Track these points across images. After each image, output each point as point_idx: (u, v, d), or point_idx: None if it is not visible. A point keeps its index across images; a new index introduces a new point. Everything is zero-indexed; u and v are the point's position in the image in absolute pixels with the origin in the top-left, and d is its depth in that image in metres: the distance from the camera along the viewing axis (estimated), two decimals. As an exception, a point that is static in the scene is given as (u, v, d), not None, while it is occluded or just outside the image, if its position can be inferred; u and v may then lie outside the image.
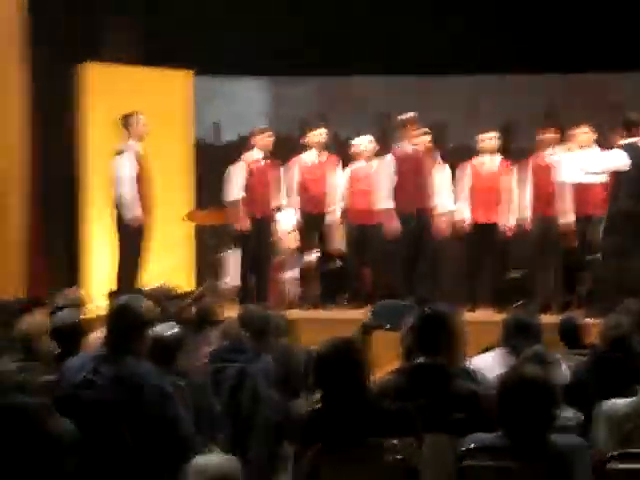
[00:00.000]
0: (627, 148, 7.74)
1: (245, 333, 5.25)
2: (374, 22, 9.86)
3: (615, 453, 3.53)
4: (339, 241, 9.16)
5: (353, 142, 9.03)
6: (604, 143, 8.28)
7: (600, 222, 8.07)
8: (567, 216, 8.42)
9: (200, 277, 9.49)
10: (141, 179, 8.42)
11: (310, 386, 5.48)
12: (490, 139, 8.71)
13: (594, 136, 8.35)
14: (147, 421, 3.88)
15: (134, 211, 8.33)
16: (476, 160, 8.80)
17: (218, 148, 10.67)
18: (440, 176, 8.69)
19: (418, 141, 8.61)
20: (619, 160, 7.71)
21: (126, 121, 8.46)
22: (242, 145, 9.46)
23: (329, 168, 8.98)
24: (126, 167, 8.38)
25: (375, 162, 8.91)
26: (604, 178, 8.01)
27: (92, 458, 3.73)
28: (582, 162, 7.98)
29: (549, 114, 9.84)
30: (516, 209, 8.67)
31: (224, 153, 10.17)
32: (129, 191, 8.35)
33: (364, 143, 8.97)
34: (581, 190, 8.36)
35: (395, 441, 3.50)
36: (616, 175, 7.79)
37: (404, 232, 8.48)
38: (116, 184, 8.40)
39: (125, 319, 4.00)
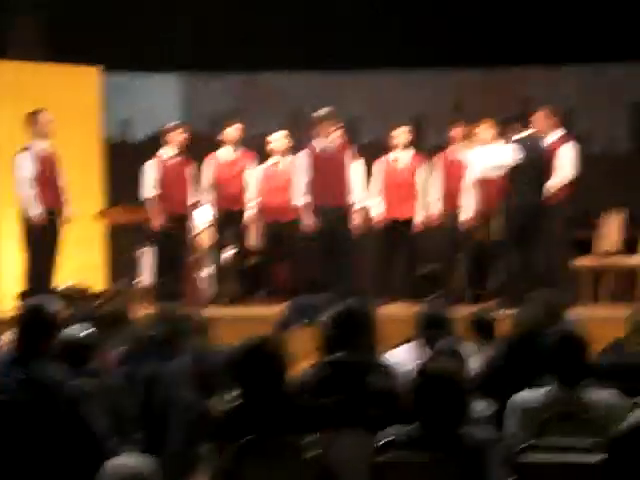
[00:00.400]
0: (519, 142, 7.91)
1: (160, 332, 5.20)
2: (290, 17, 9.88)
3: (527, 444, 3.59)
4: (254, 238, 9.14)
5: (268, 138, 9.01)
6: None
7: (500, 216, 8.23)
8: (467, 211, 8.54)
9: (113, 276, 9.38)
10: (44, 178, 8.26)
11: (227, 385, 5.49)
12: (402, 134, 8.78)
13: (494, 132, 8.46)
14: (60, 423, 3.82)
15: (34, 210, 8.16)
16: (386, 157, 8.86)
17: (129, 145, 10.55)
18: (355, 172, 8.73)
19: (333, 137, 8.63)
20: (512, 155, 7.87)
21: (30, 119, 8.29)
22: (155, 142, 9.37)
23: (244, 164, 8.95)
24: (25, 167, 8.21)
25: (289, 158, 8.91)
26: (503, 172, 8.15)
27: (3, 460, 3.66)
28: (480, 159, 8.12)
29: (457, 109, 9.97)
30: (427, 204, 8.76)
31: (136, 150, 10.06)
32: (28, 190, 8.18)
33: (279, 139, 8.95)
34: (484, 185, 8.49)
35: (312, 437, 3.50)
36: (511, 169, 7.95)
37: (321, 227, 8.50)
38: (16, 184, 8.25)
39: (36, 322, 3.93)
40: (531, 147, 7.98)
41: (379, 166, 8.82)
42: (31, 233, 8.20)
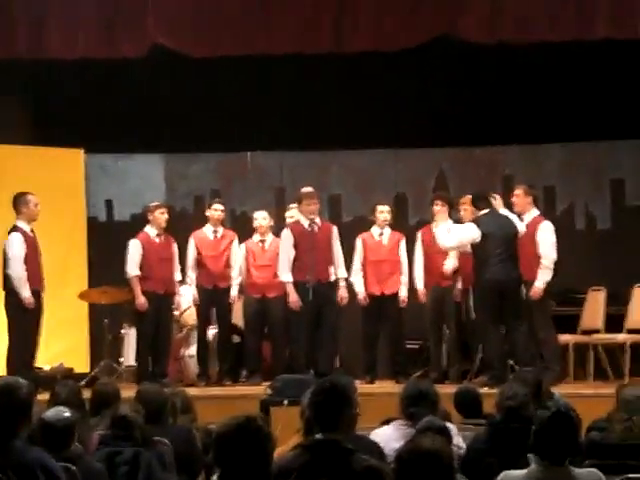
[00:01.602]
0: (480, 219, 7.98)
1: (140, 414, 5.14)
2: (272, 97, 9.99)
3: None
4: (240, 316, 9.12)
5: (254, 215, 9.01)
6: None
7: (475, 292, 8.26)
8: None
9: (97, 357, 9.31)
10: (30, 259, 8.27)
11: (208, 466, 5.42)
12: (383, 212, 8.84)
13: (470, 211, 8.51)
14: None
15: (26, 291, 8.16)
16: (367, 233, 8.91)
17: (111, 225, 10.56)
18: (338, 249, 8.76)
19: (314, 215, 8.68)
20: (470, 232, 7.95)
21: (18, 201, 8.33)
22: (138, 221, 9.40)
23: (228, 242, 8.98)
24: (18, 246, 8.22)
25: (269, 236, 8.94)
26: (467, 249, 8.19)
27: None
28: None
29: (438, 187, 10.07)
30: (407, 281, 8.79)
31: (118, 230, 10.08)
32: (21, 271, 8.18)
33: (262, 218, 8.98)
34: (462, 262, 8.52)
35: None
36: (474, 247, 8.00)
37: (304, 304, 8.50)
38: (7, 265, 8.24)
39: (8, 403, 3.87)
40: (498, 222, 8.04)
41: (361, 242, 8.86)
42: (19, 314, 8.17)
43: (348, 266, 8.82)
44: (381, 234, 8.87)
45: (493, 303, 7.92)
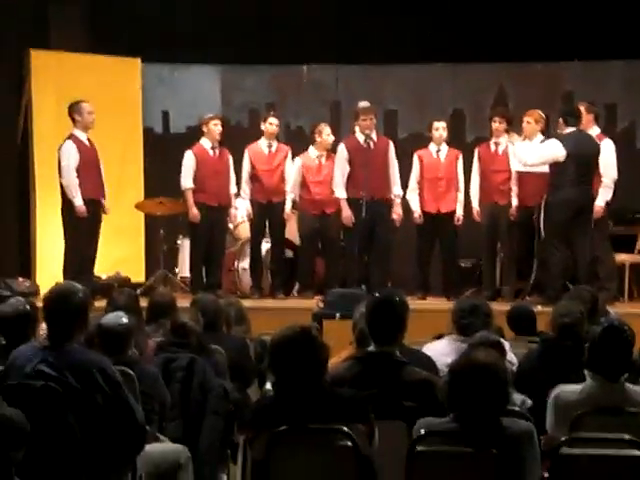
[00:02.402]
0: (564, 138, 7.81)
1: (199, 323, 5.21)
2: (324, 12, 9.85)
3: (567, 438, 3.56)
4: (293, 231, 9.14)
5: (325, 130, 8.88)
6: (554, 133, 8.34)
7: (539, 211, 8.14)
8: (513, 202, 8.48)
9: (153, 267, 9.42)
10: (85, 168, 8.32)
11: (262, 375, 5.51)
12: (439, 129, 8.73)
13: (537, 126, 8.38)
14: (99, 410, 3.84)
15: (78, 200, 8.23)
16: (424, 150, 8.82)
17: (167, 137, 10.58)
18: (394, 166, 8.69)
19: (371, 130, 8.60)
20: (555, 151, 7.78)
21: (72, 110, 8.36)
22: (194, 133, 9.40)
23: (282, 157, 8.95)
24: (70, 156, 8.28)
25: (324, 152, 8.87)
26: (544, 169, 8.04)
27: (42, 448, 3.69)
28: (520, 154, 8.01)
29: (497, 103, 9.90)
30: (463, 199, 8.71)
31: (173, 142, 10.10)
32: (73, 180, 8.25)
33: (330, 134, 8.87)
34: (522, 180, 8.41)
35: (346, 428, 3.49)
36: (554, 165, 7.85)
37: (357, 221, 8.48)
38: (60, 173, 8.31)
39: (61, 306, 3.93)
40: (583, 143, 7.87)
41: (418, 160, 8.78)
42: (73, 222, 8.27)
43: (403, 183, 8.75)
44: (438, 151, 8.77)
45: (565, 223, 7.80)
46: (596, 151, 7.91)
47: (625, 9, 9.60)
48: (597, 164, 7.90)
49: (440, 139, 8.73)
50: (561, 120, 7.92)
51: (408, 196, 8.75)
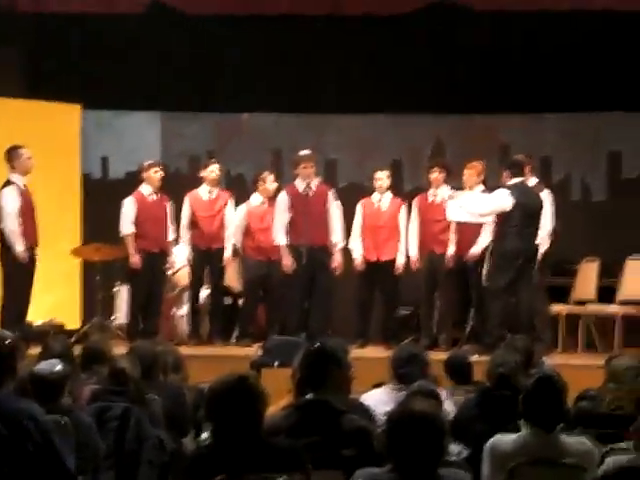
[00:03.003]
0: (512, 188, 7.93)
1: (134, 370, 5.14)
2: (271, 60, 9.92)
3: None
4: (232, 277, 9.12)
5: (269, 178, 8.91)
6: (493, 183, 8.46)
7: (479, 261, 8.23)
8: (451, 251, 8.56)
9: (89, 314, 9.31)
10: (24, 214, 8.24)
11: (198, 424, 5.44)
12: (382, 178, 8.80)
13: (479, 178, 8.50)
14: (29, 458, 3.75)
15: (19, 246, 8.14)
16: (367, 199, 8.89)
17: (106, 183, 10.52)
18: (335, 213, 8.74)
19: (311, 179, 8.65)
20: (504, 200, 7.89)
21: (10, 155, 8.28)
22: (131, 180, 9.35)
23: (223, 203, 8.95)
24: (10, 201, 8.19)
25: (267, 200, 8.89)
26: (490, 219, 8.15)
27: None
28: (470, 205, 8.11)
29: (435, 154, 10.03)
30: (404, 247, 8.77)
31: (112, 188, 10.04)
32: (14, 226, 8.15)
33: (273, 181, 8.91)
34: (460, 230, 8.51)
35: (283, 477, 3.46)
36: (500, 214, 7.96)
37: (298, 268, 8.49)
38: (1, 219, 8.20)
39: None
40: (528, 193, 8.00)
41: (361, 208, 8.83)
42: (11, 269, 8.15)
43: (346, 232, 8.80)
44: (380, 200, 8.84)
45: (509, 272, 7.88)
46: (539, 203, 8.06)
47: (560, 64, 9.83)
48: (540, 216, 8.02)
49: (382, 188, 8.80)
50: (507, 172, 8.05)
51: (351, 245, 8.79)
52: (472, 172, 8.49)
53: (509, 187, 7.95)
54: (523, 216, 7.86)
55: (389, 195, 8.86)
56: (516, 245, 7.84)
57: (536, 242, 8.00)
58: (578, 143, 10.32)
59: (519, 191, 7.91)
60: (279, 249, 8.65)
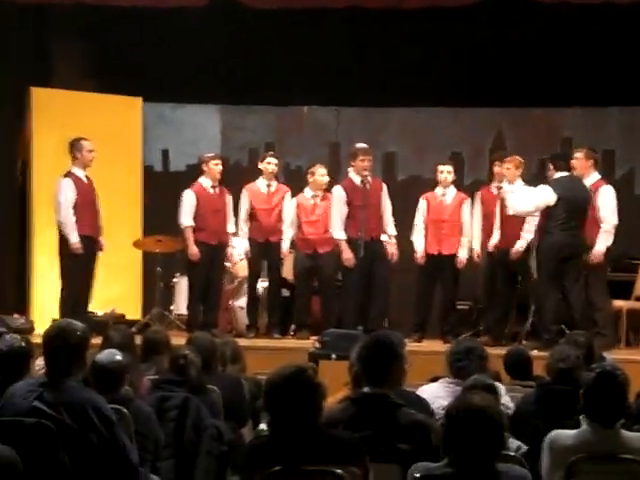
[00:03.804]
0: (554, 183, 7.84)
1: (196, 360, 5.18)
2: (328, 53, 9.92)
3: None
4: (290, 270, 9.14)
5: (317, 171, 8.93)
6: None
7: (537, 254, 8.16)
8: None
9: (149, 304, 9.41)
10: (82, 205, 8.35)
11: (256, 415, 5.48)
12: (443, 172, 8.75)
13: (517, 172, 8.39)
14: (93, 449, 3.81)
15: (74, 237, 8.25)
16: (430, 193, 8.84)
17: (166, 175, 10.63)
18: (387, 205, 8.72)
19: (367, 172, 8.63)
20: (546, 196, 7.81)
21: (72, 147, 8.41)
22: (191, 172, 9.42)
23: (281, 196, 8.97)
24: (68, 192, 8.31)
25: (319, 192, 8.88)
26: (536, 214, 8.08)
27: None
28: (512, 202, 8.04)
29: (496, 147, 9.95)
30: (467, 241, 8.72)
31: (172, 180, 10.14)
32: (69, 216, 8.27)
33: (324, 173, 8.90)
34: (507, 223, 8.43)
35: (341, 470, 3.47)
36: (544, 209, 7.88)
37: (356, 261, 8.48)
38: (56, 209, 8.33)
39: (61, 343, 3.93)
40: (574, 187, 7.91)
41: (424, 202, 8.79)
42: (70, 259, 8.27)
43: (398, 225, 8.77)
44: (444, 194, 8.79)
45: (556, 267, 7.82)
46: (587, 196, 7.96)
47: (623, 57, 9.68)
48: (587, 209, 7.93)
49: (445, 182, 8.75)
50: (551, 165, 7.98)
51: (413, 237, 8.76)
52: (510, 167, 8.41)
53: (553, 182, 7.87)
54: (567, 211, 7.78)
55: (453, 189, 8.81)
56: (560, 240, 7.77)
57: (582, 237, 7.90)
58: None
59: (563, 185, 7.83)
60: (328, 242, 8.65)
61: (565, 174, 7.93)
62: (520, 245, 8.35)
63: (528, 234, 8.31)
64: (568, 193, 7.80)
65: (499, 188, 8.55)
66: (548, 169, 8.06)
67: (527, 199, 7.96)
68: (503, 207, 8.34)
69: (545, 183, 7.98)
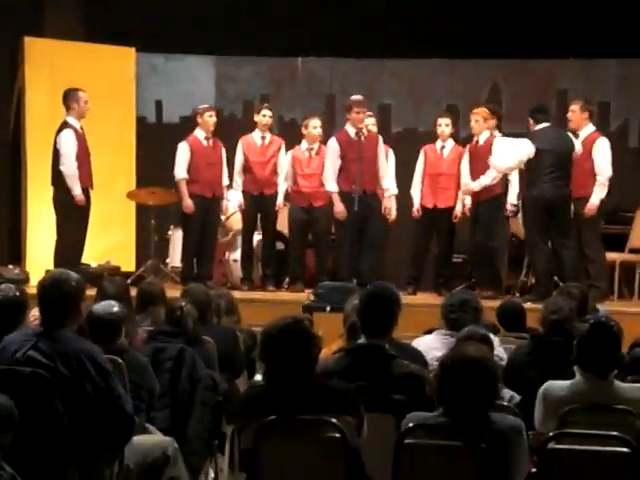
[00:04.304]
0: (533, 136, 7.85)
1: (192, 311, 5.19)
2: (322, 3, 9.83)
3: (555, 433, 3.57)
4: (284, 223, 9.13)
5: (307, 122, 8.88)
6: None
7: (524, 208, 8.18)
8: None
9: (143, 257, 9.41)
10: (80, 156, 8.32)
11: (251, 366, 5.51)
12: (441, 125, 8.71)
13: (485, 124, 8.37)
14: (88, 398, 3.83)
15: (77, 188, 8.23)
16: (430, 146, 8.80)
17: (160, 127, 10.57)
18: (383, 159, 8.68)
19: (363, 124, 8.57)
20: (525, 149, 7.80)
21: (68, 98, 8.35)
22: (185, 124, 9.36)
23: (276, 149, 8.93)
24: (68, 144, 8.27)
25: (316, 145, 8.84)
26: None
27: (29, 435, 3.68)
28: (494, 161, 8.02)
29: (491, 99, 9.90)
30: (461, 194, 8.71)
31: (166, 132, 10.08)
32: (73, 168, 8.25)
33: (318, 126, 8.85)
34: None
35: (335, 419, 3.49)
36: (528, 161, 7.87)
37: (349, 214, 8.45)
38: (60, 161, 8.29)
39: (55, 293, 3.93)
40: (555, 138, 7.90)
41: (423, 154, 8.76)
42: (68, 210, 8.26)
43: (403, 179, 8.74)
44: (442, 147, 8.76)
45: (542, 220, 7.85)
46: (569, 146, 7.95)
47: (620, 8, 9.61)
48: (571, 160, 7.92)
49: (444, 135, 8.71)
50: (530, 120, 7.97)
51: (412, 191, 8.73)
52: (478, 119, 8.39)
53: (532, 134, 7.86)
54: (550, 162, 7.78)
55: (451, 142, 8.76)
56: (543, 193, 7.78)
57: (568, 189, 7.90)
58: (636, 88, 10.11)
59: (544, 137, 7.81)
60: (324, 195, 8.63)
61: (546, 125, 7.92)
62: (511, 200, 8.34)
63: (514, 188, 8.29)
64: (550, 145, 7.80)
65: (476, 142, 8.52)
66: (529, 124, 8.04)
67: (508, 156, 7.93)
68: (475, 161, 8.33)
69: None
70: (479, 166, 8.34)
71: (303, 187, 8.80)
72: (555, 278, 8.02)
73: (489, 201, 8.32)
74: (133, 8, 9.68)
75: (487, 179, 8.22)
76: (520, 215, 8.47)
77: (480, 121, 8.42)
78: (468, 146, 8.68)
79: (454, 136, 8.89)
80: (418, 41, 9.81)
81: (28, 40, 9.30)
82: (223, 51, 10.39)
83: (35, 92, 9.27)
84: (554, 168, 7.80)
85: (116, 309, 4.51)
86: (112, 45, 9.66)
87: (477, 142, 8.51)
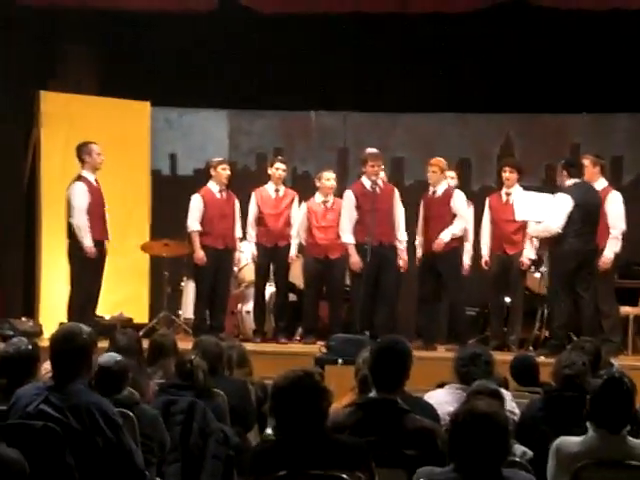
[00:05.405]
0: (569, 190, 7.83)
1: (202, 364, 5.18)
2: (335, 58, 9.93)
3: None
4: (297, 275, 9.14)
5: (324, 175, 8.94)
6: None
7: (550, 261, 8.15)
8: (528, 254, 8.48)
9: (155, 308, 9.42)
10: (94, 209, 8.39)
11: (263, 419, 5.48)
12: (451, 178, 8.77)
13: (442, 175, 8.48)
14: (99, 452, 3.81)
15: (88, 241, 8.29)
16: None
17: (174, 179, 10.65)
18: (399, 210, 8.71)
19: (378, 177, 8.62)
20: (568, 205, 7.78)
21: (81, 151, 8.44)
22: (199, 177, 9.42)
23: (289, 201, 8.98)
24: (81, 197, 8.34)
25: (330, 197, 8.89)
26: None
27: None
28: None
29: (504, 153, 9.93)
30: (470, 247, 8.70)
31: (180, 185, 10.16)
32: (84, 221, 8.31)
33: (332, 179, 8.90)
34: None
35: (346, 475, 3.47)
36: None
37: (363, 266, 8.46)
38: (71, 213, 8.35)
39: (67, 346, 3.94)
40: (587, 194, 7.89)
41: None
42: (80, 263, 8.30)
43: (405, 230, 8.75)
44: (434, 192, 8.70)
45: (569, 274, 7.80)
46: (599, 202, 7.95)
47: (631, 63, 9.67)
48: (599, 215, 7.92)
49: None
50: (564, 172, 7.96)
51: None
52: (436, 170, 8.41)
53: (567, 189, 7.85)
54: (581, 217, 7.76)
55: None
56: (573, 247, 7.76)
57: (595, 243, 7.89)
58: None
59: (578, 192, 7.81)
60: (339, 247, 8.64)
61: (579, 180, 7.92)
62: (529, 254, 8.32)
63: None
64: (583, 200, 7.79)
65: (508, 195, 8.53)
66: (560, 175, 8.02)
67: (557, 216, 7.87)
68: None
69: (555, 189, 7.96)
70: (435, 216, 8.41)
71: (319, 239, 8.83)
72: (570, 333, 7.97)
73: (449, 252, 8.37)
74: (148, 63, 9.80)
75: (456, 229, 8.26)
76: (533, 268, 8.43)
77: (437, 172, 8.46)
78: (423, 197, 8.68)
79: (464, 189, 8.91)
80: (430, 95, 9.88)
81: (44, 94, 9.42)
82: (236, 105, 10.49)
83: (51, 145, 9.37)
84: (585, 223, 7.79)
85: (120, 358, 4.51)
86: (127, 99, 9.78)
87: (434, 192, 8.53)
